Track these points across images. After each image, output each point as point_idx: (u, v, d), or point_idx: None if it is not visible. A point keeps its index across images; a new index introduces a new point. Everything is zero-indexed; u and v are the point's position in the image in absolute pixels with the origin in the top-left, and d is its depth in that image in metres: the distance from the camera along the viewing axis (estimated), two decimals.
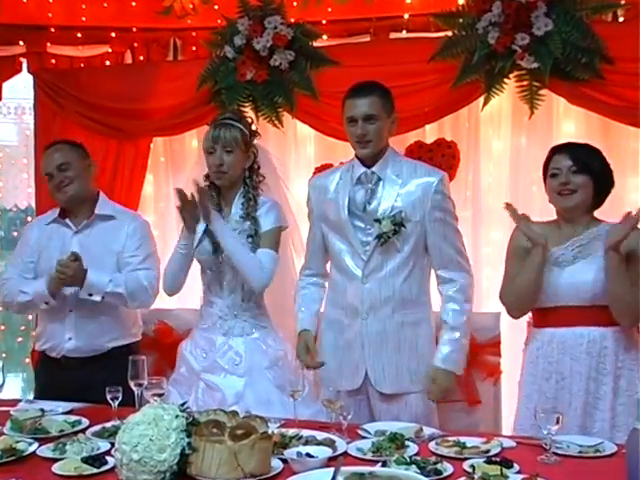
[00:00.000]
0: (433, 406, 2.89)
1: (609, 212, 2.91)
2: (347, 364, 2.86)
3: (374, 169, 2.80)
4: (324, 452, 2.22)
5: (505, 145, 4.05)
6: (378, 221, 2.74)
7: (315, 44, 4.04)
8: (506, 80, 3.76)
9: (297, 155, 4.33)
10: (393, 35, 4.18)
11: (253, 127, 3.02)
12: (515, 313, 2.87)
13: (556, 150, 2.86)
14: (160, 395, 2.51)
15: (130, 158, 4.39)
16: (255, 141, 3.02)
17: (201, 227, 2.90)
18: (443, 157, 3.97)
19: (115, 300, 3.12)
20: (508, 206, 2.84)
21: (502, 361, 3.61)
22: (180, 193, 2.79)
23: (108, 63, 4.57)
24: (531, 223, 2.82)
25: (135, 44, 4.53)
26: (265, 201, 2.96)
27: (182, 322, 3.89)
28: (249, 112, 4.08)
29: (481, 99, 3.83)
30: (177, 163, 4.47)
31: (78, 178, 3.24)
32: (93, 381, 3.03)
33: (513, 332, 3.81)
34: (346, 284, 2.83)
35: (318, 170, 4.17)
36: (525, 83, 3.73)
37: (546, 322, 2.79)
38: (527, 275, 2.73)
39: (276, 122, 4.09)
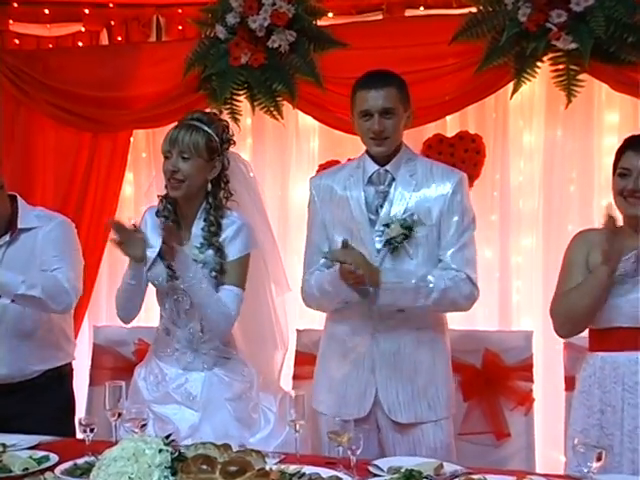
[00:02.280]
0: (452, 435, 2.90)
1: None
2: (353, 388, 2.87)
3: (388, 167, 2.83)
4: None
5: (538, 139, 4.06)
6: (387, 225, 2.78)
7: (319, 23, 4.06)
8: (539, 64, 3.78)
9: (299, 150, 4.35)
10: (409, 12, 4.21)
11: (226, 134, 2.95)
12: (564, 332, 2.84)
13: (629, 144, 2.75)
14: (142, 426, 2.52)
15: (107, 154, 4.41)
16: (228, 148, 2.98)
17: (152, 239, 2.88)
18: (466, 152, 3.98)
19: (32, 304, 3.13)
20: (609, 210, 2.64)
21: (535, 387, 3.61)
22: (117, 225, 2.76)
23: (81, 44, 4.61)
24: (619, 235, 2.66)
25: (112, 22, 4.56)
26: (232, 221, 2.90)
27: None
28: (242, 103, 4.11)
29: (510, 86, 3.85)
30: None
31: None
32: (11, 413, 3.05)
33: (547, 354, 3.83)
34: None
35: (323, 167, 4.20)
36: (561, 67, 3.74)
37: (599, 345, 2.78)
38: (587, 293, 2.69)
39: (275, 113, 4.11)
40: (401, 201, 2.80)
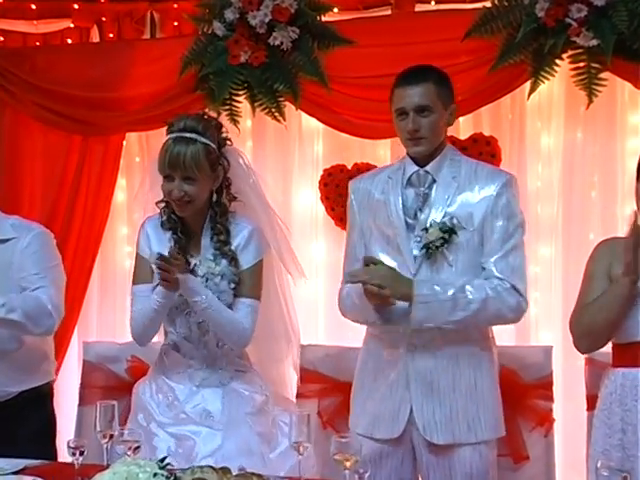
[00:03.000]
0: (492, 461, 2.88)
1: None
2: (386, 406, 2.85)
3: (428, 168, 2.82)
4: None
5: (557, 141, 4.07)
6: (426, 229, 2.76)
7: (324, 19, 4.08)
8: (558, 61, 3.79)
9: (302, 154, 4.35)
10: (419, 7, 4.22)
11: (221, 135, 2.94)
12: (583, 347, 2.84)
13: None
14: (135, 448, 2.52)
15: (98, 158, 4.43)
16: (226, 147, 2.97)
17: (158, 249, 2.88)
18: (480, 156, 3.98)
19: (11, 327, 3.10)
20: (633, 218, 2.66)
21: (555, 407, 3.61)
22: (163, 260, 2.72)
23: (70, 42, 4.62)
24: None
25: (103, 18, 4.58)
26: (241, 227, 2.91)
27: None
28: (242, 104, 4.12)
29: (527, 85, 3.86)
30: (156, 164, 4.48)
31: None
32: None
33: (568, 370, 3.83)
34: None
35: (327, 173, 4.21)
36: (582, 65, 3.76)
37: (621, 361, 2.78)
38: (607, 306, 2.69)
39: (276, 114, 4.12)
40: (441, 204, 2.78)
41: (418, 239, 2.77)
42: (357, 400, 2.99)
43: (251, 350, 3.05)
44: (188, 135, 2.82)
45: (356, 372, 3.02)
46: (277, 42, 4.00)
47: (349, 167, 4.21)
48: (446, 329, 2.74)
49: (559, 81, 3.94)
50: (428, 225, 2.76)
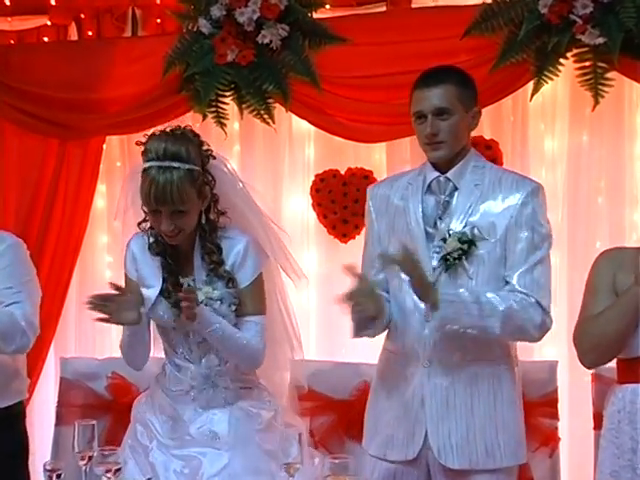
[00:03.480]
0: None
1: None
2: (401, 426, 2.84)
3: (449, 175, 2.82)
4: None
5: (561, 145, 4.08)
6: (444, 239, 2.75)
7: (315, 16, 4.09)
8: (562, 60, 3.80)
9: (292, 159, 4.35)
10: (416, 4, 4.23)
11: (203, 152, 2.87)
12: (589, 362, 2.84)
13: None
14: (116, 471, 2.52)
15: (76, 163, 4.42)
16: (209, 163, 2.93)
17: (146, 274, 2.89)
18: None
19: None
20: None
21: (560, 425, 3.61)
22: (94, 301, 2.71)
23: (46, 40, 4.62)
24: None
25: (82, 15, 4.57)
26: (234, 242, 2.89)
27: (145, 375, 3.86)
28: (229, 105, 4.13)
29: (530, 85, 3.87)
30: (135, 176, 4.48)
31: None
32: None
33: (574, 387, 3.83)
34: (406, 321, 2.83)
35: (319, 178, 4.21)
36: (587, 64, 3.77)
37: (629, 376, 2.77)
38: (615, 318, 2.69)
39: (265, 116, 4.12)
40: (463, 213, 2.77)
41: (437, 249, 2.77)
42: (370, 419, 2.98)
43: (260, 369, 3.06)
44: (169, 164, 2.75)
45: (371, 389, 3.02)
46: (266, 40, 4.00)
47: (342, 172, 4.21)
48: (466, 342, 2.72)
49: (563, 81, 3.95)
50: (447, 235, 2.75)
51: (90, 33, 4.58)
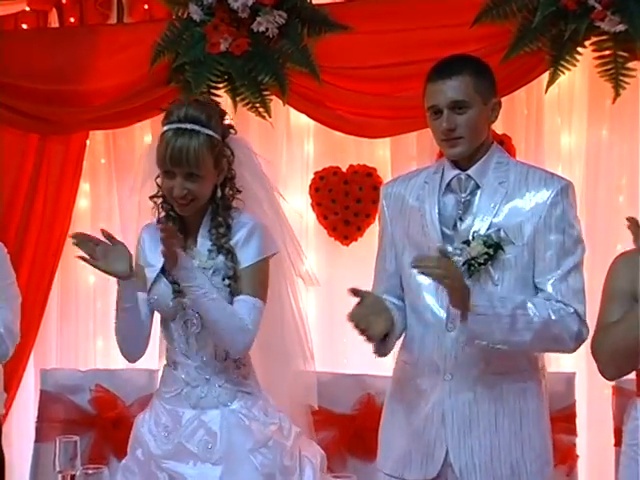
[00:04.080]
0: None
1: None
2: (419, 444, 2.81)
3: (470, 172, 2.79)
4: None
5: (579, 140, 4.08)
6: (467, 242, 2.73)
7: (315, 2, 4.10)
8: (580, 49, 3.81)
9: (290, 155, 4.36)
10: None
11: (225, 123, 2.93)
12: (609, 374, 2.83)
13: None
14: None
15: (58, 160, 4.43)
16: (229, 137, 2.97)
17: (151, 258, 2.90)
18: None
19: None
20: (632, 222, 2.64)
21: (579, 441, 3.62)
22: (80, 238, 2.75)
23: (25, 27, 4.62)
24: None
25: (63, 0, 4.57)
26: (242, 222, 2.92)
27: (131, 388, 3.90)
28: (223, 97, 4.13)
29: (545, 76, 3.88)
30: (123, 166, 4.51)
31: None
32: None
33: (593, 400, 3.83)
34: (424, 331, 2.81)
35: (319, 176, 4.21)
36: (607, 53, 3.78)
37: None
38: (635, 325, 2.70)
39: (261, 110, 4.13)
40: (486, 214, 2.74)
41: (458, 252, 2.75)
42: (385, 436, 2.96)
43: (262, 372, 3.05)
44: (190, 127, 2.82)
45: (385, 404, 3.00)
46: (262, 28, 4.00)
47: (344, 170, 4.21)
48: (491, 353, 2.70)
49: (581, 72, 3.95)
50: (470, 238, 2.72)
51: (72, 20, 4.58)
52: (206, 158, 2.83)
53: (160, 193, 2.93)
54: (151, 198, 2.97)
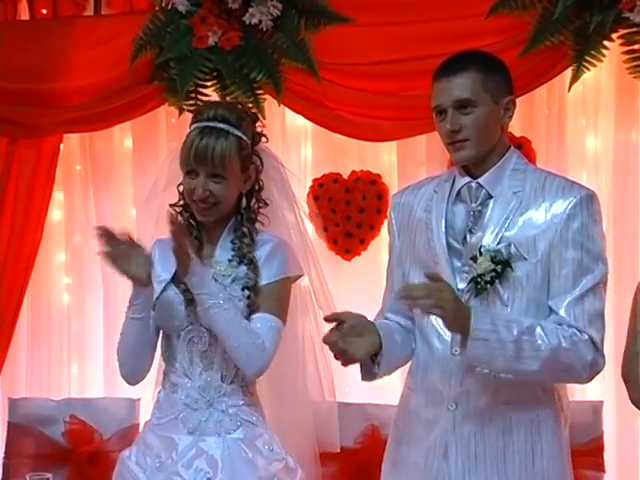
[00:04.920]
0: None
1: None
2: (420, 478, 2.81)
3: (481, 181, 2.78)
4: None
5: (606, 142, 4.10)
6: (474, 258, 2.71)
7: None
8: (606, 43, 3.82)
9: (286, 160, 4.26)
10: None
11: (256, 129, 3.00)
12: None
13: None
14: None
15: (28, 166, 4.42)
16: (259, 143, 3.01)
17: (162, 271, 2.92)
18: None
19: None
20: None
21: (607, 478, 3.62)
22: (105, 232, 2.77)
23: None
24: None
25: None
26: (265, 239, 2.95)
27: (110, 419, 3.89)
28: (211, 96, 4.13)
29: (568, 73, 3.89)
30: (101, 174, 4.52)
31: None
32: None
33: (622, 431, 3.82)
34: (429, 355, 2.81)
35: (318, 183, 4.21)
36: (636, 47, 3.79)
37: None
38: None
39: (254, 110, 4.11)
40: (497, 226, 2.73)
41: (466, 269, 2.75)
42: (387, 467, 2.96)
43: (269, 406, 3.05)
44: (219, 126, 2.89)
45: (390, 434, 3.01)
46: (254, 20, 4.01)
47: (345, 177, 4.22)
48: (500, 380, 2.67)
49: (608, 68, 3.97)
50: (478, 253, 2.71)
51: (44, 11, 4.56)
52: (233, 159, 2.87)
53: (181, 202, 2.97)
54: (172, 206, 2.99)
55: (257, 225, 2.99)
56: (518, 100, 3.91)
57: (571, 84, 3.89)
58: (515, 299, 2.71)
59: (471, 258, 2.71)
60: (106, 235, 2.78)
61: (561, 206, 2.71)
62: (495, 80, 2.77)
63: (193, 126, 2.92)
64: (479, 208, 2.77)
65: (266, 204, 3.00)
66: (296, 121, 4.31)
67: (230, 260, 2.91)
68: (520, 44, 3.84)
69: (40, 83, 4.35)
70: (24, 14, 4.61)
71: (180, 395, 2.94)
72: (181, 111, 4.15)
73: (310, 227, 4.24)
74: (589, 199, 2.73)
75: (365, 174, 4.20)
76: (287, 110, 4.26)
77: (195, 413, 2.91)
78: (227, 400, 2.92)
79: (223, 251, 2.93)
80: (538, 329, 2.62)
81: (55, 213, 4.57)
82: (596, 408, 3.60)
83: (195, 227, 2.98)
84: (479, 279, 2.69)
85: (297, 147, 4.37)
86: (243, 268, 2.90)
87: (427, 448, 2.79)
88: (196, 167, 2.86)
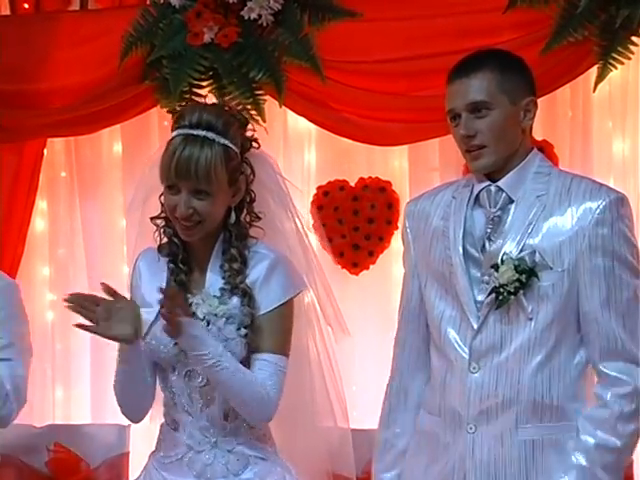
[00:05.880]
0: None
1: None
2: None
3: (501, 184, 2.79)
4: None
5: (634, 146, 4.11)
6: (495, 267, 2.73)
7: None
8: (635, 39, 3.83)
9: (288, 166, 4.34)
10: None
11: (245, 134, 2.90)
12: None
13: None
14: None
15: (9, 173, 4.44)
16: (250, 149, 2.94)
17: (148, 294, 2.87)
18: None
19: None
20: None
21: None
22: (77, 300, 2.71)
23: None
24: None
25: None
26: (261, 255, 2.89)
27: (98, 447, 3.90)
28: (207, 97, 4.14)
29: (593, 71, 3.90)
30: (89, 181, 4.53)
31: None
32: None
33: None
34: (447, 373, 2.81)
35: (323, 191, 4.22)
36: None
37: None
38: None
39: (253, 112, 4.11)
40: (519, 233, 2.73)
41: (485, 279, 2.75)
42: None
43: (280, 441, 3.03)
44: (204, 134, 2.80)
45: (407, 458, 3.00)
46: (253, 15, 4.03)
47: (352, 184, 4.23)
48: (522, 401, 2.72)
49: (636, 65, 3.98)
50: (499, 261, 2.72)
51: (26, 6, 4.59)
52: (219, 172, 2.79)
53: (163, 214, 2.90)
54: (152, 220, 2.93)
55: (254, 234, 2.92)
56: (539, 101, 3.95)
57: (596, 83, 3.91)
58: (540, 311, 2.71)
59: (492, 267, 2.71)
60: (77, 301, 2.72)
61: (589, 210, 2.71)
62: (513, 80, 2.77)
63: (174, 133, 2.84)
64: (499, 213, 2.77)
65: (258, 217, 2.93)
66: (299, 124, 4.33)
67: (222, 291, 2.86)
68: (541, 40, 3.86)
69: (21, 83, 4.38)
70: (4, 9, 4.63)
71: (182, 434, 2.92)
72: (174, 113, 4.16)
73: (314, 239, 4.27)
74: (620, 203, 2.74)
75: (374, 181, 4.21)
76: (289, 112, 4.27)
77: (199, 456, 2.90)
78: (233, 438, 2.90)
79: (214, 277, 2.89)
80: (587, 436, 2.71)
81: (38, 223, 4.58)
82: None
83: (181, 247, 2.91)
84: (501, 289, 2.70)
85: (300, 152, 4.39)
86: (236, 301, 2.85)
87: (445, 474, 2.80)
88: (177, 181, 2.79)
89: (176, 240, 2.90)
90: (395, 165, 4.28)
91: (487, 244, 2.76)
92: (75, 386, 4.49)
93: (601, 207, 2.71)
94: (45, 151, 4.50)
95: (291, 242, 3.03)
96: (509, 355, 2.72)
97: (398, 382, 2.94)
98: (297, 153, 4.39)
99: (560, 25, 3.85)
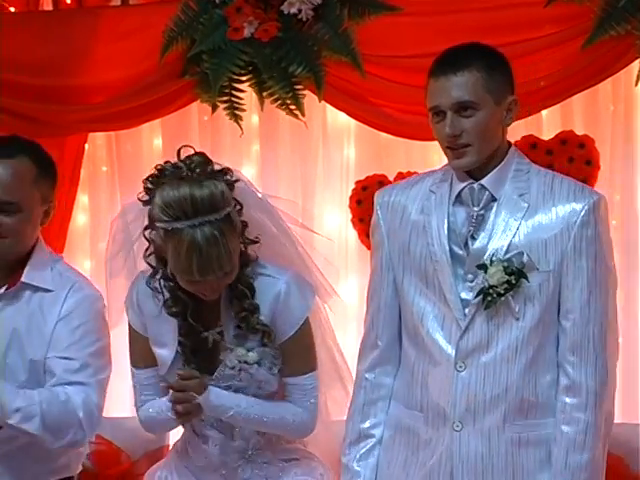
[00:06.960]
0: None
1: None
2: None
3: (484, 182, 2.79)
4: None
5: None
6: (483, 267, 2.73)
7: None
8: None
9: (327, 161, 4.37)
10: None
11: (227, 175, 2.83)
12: None
13: None
14: None
15: None
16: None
17: (167, 341, 2.93)
18: (571, 163, 3.98)
19: (24, 435, 3.05)
20: None
21: None
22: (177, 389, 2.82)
23: (13, 10, 4.65)
24: None
25: None
26: (271, 283, 2.90)
27: (139, 440, 3.91)
28: (246, 93, 4.15)
29: (635, 65, 3.88)
30: (129, 176, 4.52)
31: (18, 232, 3.17)
32: None
33: None
34: (428, 369, 2.81)
35: (362, 186, 4.21)
36: None
37: None
38: None
39: (292, 107, 4.15)
40: (504, 232, 2.74)
41: (470, 277, 2.76)
42: None
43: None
44: (208, 218, 2.73)
45: (381, 455, 3.00)
46: (293, 10, 4.03)
47: (391, 178, 4.21)
48: (510, 399, 2.72)
49: None
50: (488, 261, 2.72)
51: (68, 1, 4.61)
52: (234, 244, 2.79)
53: (160, 272, 2.88)
54: (146, 258, 2.91)
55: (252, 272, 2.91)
56: (581, 95, 3.97)
57: (639, 77, 3.88)
58: (527, 311, 2.73)
59: (479, 267, 2.72)
60: (181, 394, 2.81)
61: (574, 212, 2.73)
62: (497, 80, 2.76)
63: (176, 225, 2.72)
64: (482, 212, 2.77)
65: (253, 242, 2.90)
66: (338, 119, 4.33)
67: (240, 337, 2.87)
68: (582, 34, 3.84)
69: (62, 78, 4.40)
70: (47, 4, 4.65)
71: (213, 449, 2.94)
72: (214, 108, 4.17)
73: (353, 233, 4.26)
74: (600, 204, 2.76)
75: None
76: (328, 107, 4.27)
77: (237, 471, 2.93)
78: (268, 449, 2.94)
79: (227, 320, 2.90)
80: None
81: (80, 217, 4.62)
82: (635, 432, 3.57)
83: (190, 302, 2.88)
84: (490, 290, 2.70)
85: (339, 147, 4.39)
86: (255, 340, 2.87)
87: (428, 472, 2.80)
88: (201, 278, 2.75)
89: (182, 294, 2.87)
90: (434, 159, 4.25)
91: (470, 242, 2.76)
92: (116, 381, 4.50)
93: (586, 209, 2.72)
94: (86, 146, 4.53)
95: (281, 240, 3.03)
96: (496, 354, 2.73)
97: (373, 374, 2.91)
98: (336, 148, 4.38)
99: (601, 19, 3.82)
